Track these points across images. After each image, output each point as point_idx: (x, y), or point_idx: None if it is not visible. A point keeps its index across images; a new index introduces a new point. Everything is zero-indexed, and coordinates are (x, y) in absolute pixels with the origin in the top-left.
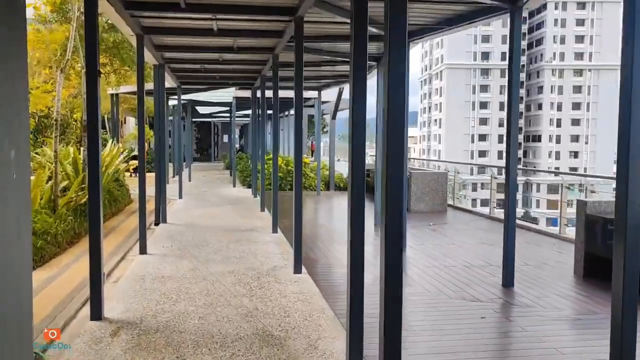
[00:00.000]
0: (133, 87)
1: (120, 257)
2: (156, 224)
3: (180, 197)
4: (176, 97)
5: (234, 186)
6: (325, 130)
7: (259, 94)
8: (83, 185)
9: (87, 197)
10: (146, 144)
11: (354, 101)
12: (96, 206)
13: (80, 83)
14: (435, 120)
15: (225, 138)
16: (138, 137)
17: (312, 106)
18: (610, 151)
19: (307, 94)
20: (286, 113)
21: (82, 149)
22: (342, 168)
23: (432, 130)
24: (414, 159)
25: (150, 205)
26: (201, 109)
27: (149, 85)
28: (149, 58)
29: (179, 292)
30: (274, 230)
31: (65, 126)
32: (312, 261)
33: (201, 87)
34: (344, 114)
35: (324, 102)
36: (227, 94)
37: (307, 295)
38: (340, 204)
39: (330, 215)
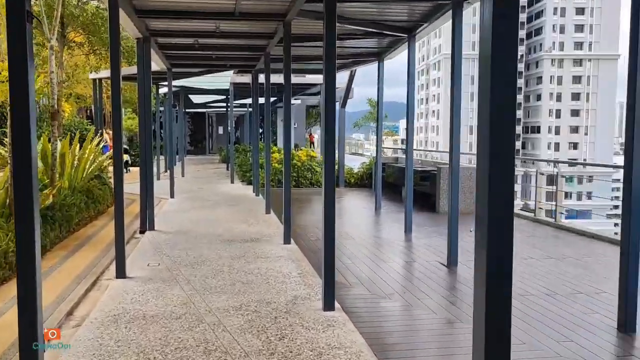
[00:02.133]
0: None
1: (90, 283)
2: (142, 232)
3: (172, 195)
4: (168, 82)
5: (232, 182)
6: None
7: (261, 78)
8: (56, 185)
9: (50, 198)
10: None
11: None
12: (28, 237)
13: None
14: (433, 111)
15: (221, 130)
16: (113, 129)
17: (317, 94)
18: (610, 142)
19: (312, 78)
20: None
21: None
22: (352, 162)
23: (430, 122)
24: (392, 148)
25: (136, 208)
26: (195, 98)
27: (134, 68)
28: (131, 29)
29: (166, 346)
30: (286, 241)
31: (38, 115)
32: (343, 287)
33: (195, 71)
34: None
35: None
36: (224, 80)
37: (349, 351)
38: (355, 203)
39: (349, 219)
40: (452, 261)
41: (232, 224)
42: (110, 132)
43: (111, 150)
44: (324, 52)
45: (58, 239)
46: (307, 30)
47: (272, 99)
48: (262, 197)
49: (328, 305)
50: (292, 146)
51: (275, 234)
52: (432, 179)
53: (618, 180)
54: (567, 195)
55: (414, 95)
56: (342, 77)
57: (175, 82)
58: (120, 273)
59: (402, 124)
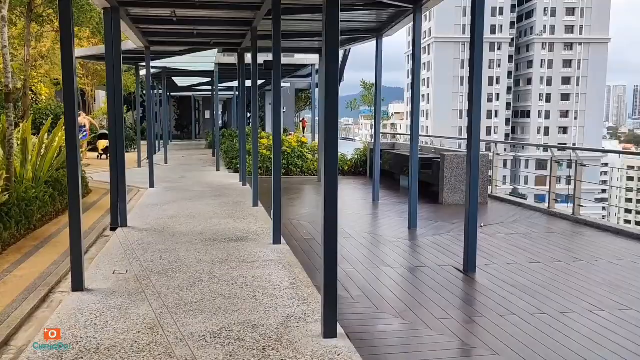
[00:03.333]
0: (90, 50)
1: (40, 299)
2: (112, 229)
3: (152, 185)
4: (146, 62)
5: (218, 170)
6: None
7: (248, 59)
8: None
9: (6, 195)
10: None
11: None
12: None
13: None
14: (423, 95)
15: (208, 114)
16: (65, 114)
17: (307, 76)
18: (599, 126)
19: (302, 58)
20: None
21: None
22: (342, 147)
23: (420, 106)
24: (389, 133)
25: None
26: (179, 81)
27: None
28: None
29: None
30: (276, 240)
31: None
32: (345, 303)
33: (176, 50)
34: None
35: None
36: (208, 61)
37: None
38: (351, 193)
39: (345, 212)
40: (469, 266)
41: (216, 219)
42: (88, 116)
43: (90, 136)
44: (324, 20)
45: (14, 239)
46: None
47: (260, 82)
48: (250, 187)
49: (329, 331)
50: (282, 131)
51: (263, 231)
52: (435, 167)
53: (606, 164)
54: (558, 179)
55: (420, 75)
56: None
57: (155, 63)
58: (77, 285)
59: (392, 108)
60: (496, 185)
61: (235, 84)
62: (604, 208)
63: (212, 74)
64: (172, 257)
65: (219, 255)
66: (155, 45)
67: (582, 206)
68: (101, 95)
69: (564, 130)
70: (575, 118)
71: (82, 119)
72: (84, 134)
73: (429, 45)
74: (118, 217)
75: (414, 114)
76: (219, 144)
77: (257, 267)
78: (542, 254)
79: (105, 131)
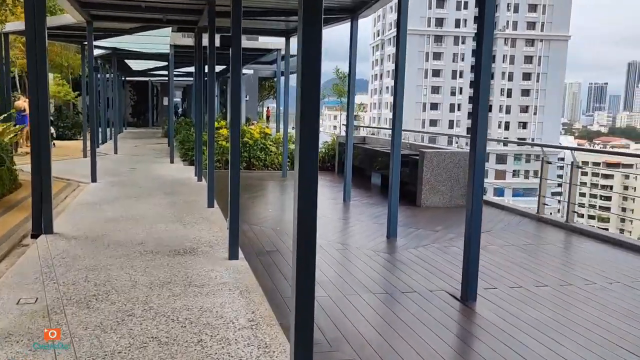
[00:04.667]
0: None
1: None
2: (34, 236)
3: (94, 179)
4: (88, 40)
5: (172, 162)
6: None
7: (205, 41)
8: None
9: None
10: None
11: None
12: None
13: None
14: (387, 87)
15: (166, 100)
16: None
17: (272, 63)
18: (557, 122)
19: (267, 42)
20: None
21: None
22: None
23: (384, 98)
24: (364, 126)
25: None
26: (134, 65)
27: (53, 21)
28: None
29: None
30: (232, 254)
31: None
32: (320, 351)
33: (124, 28)
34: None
35: (292, 56)
36: (163, 42)
37: None
38: (319, 192)
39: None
40: (469, 294)
41: (163, 223)
42: (27, 99)
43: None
44: None
45: None
46: None
47: (221, 68)
48: (206, 182)
49: None
50: (244, 121)
51: (218, 240)
52: (411, 165)
53: (562, 159)
54: (515, 173)
55: (404, 60)
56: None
57: (103, 42)
58: None
59: (357, 99)
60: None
61: (192, 68)
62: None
63: (168, 57)
64: (100, 278)
65: (160, 276)
66: (99, 20)
67: (546, 205)
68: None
69: (524, 125)
70: (535, 113)
71: (22, 102)
72: (24, 118)
73: (394, 37)
74: (41, 222)
75: (397, 107)
76: (175, 133)
77: (206, 294)
78: (547, 274)
79: (51, 117)
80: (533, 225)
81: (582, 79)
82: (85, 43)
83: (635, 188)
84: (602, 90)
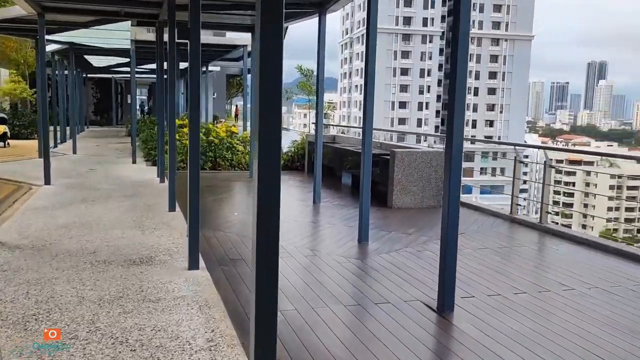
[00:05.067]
0: None
1: None
2: None
3: (48, 181)
4: (39, 33)
5: (134, 162)
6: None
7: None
8: None
9: None
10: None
11: None
12: None
13: None
14: (356, 86)
15: (129, 98)
16: None
17: (239, 59)
18: (522, 120)
19: (233, 38)
20: (203, 69)
21: None
22: (283, 139)
23: (353, 97)
24: (334, 125)
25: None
26: (95, 61)
27: (2, 13)
28: None
29: None
30: (192, 264)
31: None
32: None
33: (80, 21)
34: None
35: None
36: (123, 37)
37: None
38: (288, 193)
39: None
40: (445, 305)
41: (119, 229)
42: None
43: None
44: None
45: None
46: None
47: (187, 64)
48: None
49: None
50: (211, 119)
51: (178, 247)
52: (383, 165)
53: (527, 156)
54: (482, 171)
55: (374, 59)
56: None
57: (59, 37)
58: None
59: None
60: None
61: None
62: (524, 199)
63: (129, 53)
64: (43, 294)
65: (112, 290)
66: (51, 13)
67: (519, 205)
68: (2, 74)
69: (491, 123)
70: (501, 112)
71: None
72: None
73: (362, 35)
74: None
75: (367, 106)
76: (138, 132)
77: (161, 310)
78: (524, 279)
79: (3, 115)
80: (506, 226)
81: (545, 78)
82: (49, 38)
83: (596, 185)
84: (563, 89)
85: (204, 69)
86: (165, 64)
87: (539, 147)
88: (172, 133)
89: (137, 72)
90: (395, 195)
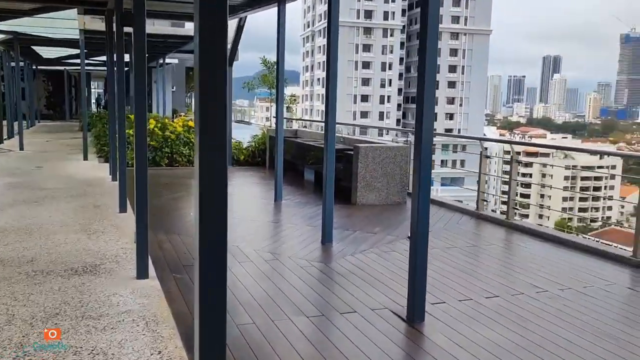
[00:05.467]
0: None
1: None
2: None
3: None
4: None
5: (86, 159)
6: None
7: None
8: None
9: None
10: None
11: None
12: None
13: None
14: (319, 79)
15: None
16: None
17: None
18: (481, 113)
19: (191, 29)
20: (160, 61)
21: None
22: (241, 133)
23: (315, 90)
24: (296, 119)
25: None
26: (43, 52)
27: None
28: None
29: None
30: (141, 272)
31: None
32: None
33: (22, 9)
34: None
35: None
36: (70, 26)
37: None
38: (248, 190)
39: (241, 218)
40: (416, 314)
41: (62, 234)
42: None
43: None
44: None
45: None
46: None
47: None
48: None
49: None
50: (170, 113)
51: (127, 254)
52: (346, 161)
53: (486, 149)
54: (443, 163)
55: (336, 50)
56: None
57: (1, 26)
58: None
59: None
60: None
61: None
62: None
63: (77, 44)
64: None
65: (48, 305)
66: None
67: (486, 201)
68: None
69: (451, 116)
70: (460, 105)
71: None
72: None
73: (324, 28)
74: None
75: (330, 99)
76: (91, 126)
77: (102, 329)
78: (496, 281)
79: None
80: (473, 223)
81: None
82: None
83: (552, 175)
84: (520, 82)
85: (161, 61)
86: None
87: (507, 142)
88: (121, 127)
89: (92, 64)
90: (359, 192)
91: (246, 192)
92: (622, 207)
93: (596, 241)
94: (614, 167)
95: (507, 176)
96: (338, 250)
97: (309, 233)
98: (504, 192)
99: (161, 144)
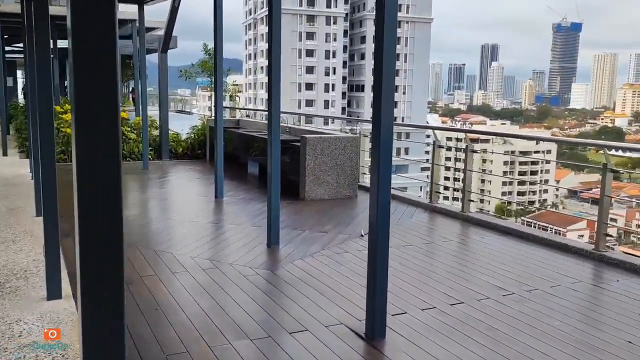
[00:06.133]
0: None
1: None
2: None
3: None
4: None
5: (6, 154)
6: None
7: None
8: None
9: None
10: None
11: None
12: None
13: None
14: (262, 67)
15: (11, 81)
16: None
17: (130, 37)
18: (424, 101)
19: (120, 12)
20: None
21: None
22: (178, 122)
23: (259, 78)
24: (238, 108)
25: None
26: None
27: None
28: None
29: None
30: (52, 292)
31: None
32: None
33: None
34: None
35: (149, 30)
36: None
37: None
38: (185, 186)
39: (177, 219)
40: (376, 327)
41: None
42: None
43: None
44: None
45: None
46: None
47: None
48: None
49: None
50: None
51: (39, 268)
52: (293, 153)
53: (428, 136)
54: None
55: (279, 37)
56: (159, 11)
57: None
58: None
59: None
60: (363, 173)
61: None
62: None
63: None
64: None
65: None
66: None
67: (439, 193)
68: None
69: (395, 104)
70: (404, 93)
71: None
72: None
73: (266, 16)
74: None
75: (273, 86)
76: (11, 118)
77: None
78: (459, 284)
79: None
80: (427, 216)
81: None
82: None
83: (492, 161)
84: (460, 70)
85: None
86: (33, 39)
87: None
88: (42, 119)
89: (14, 52)
90: (307, 187)
91: (184, 189)
92: (557, 190)
93: (557, 234)
94: (549, 151)
95: (452, 165)
96: (286, 254)
97: (253, 234)
98: (447, 180)
99: (53, 134)
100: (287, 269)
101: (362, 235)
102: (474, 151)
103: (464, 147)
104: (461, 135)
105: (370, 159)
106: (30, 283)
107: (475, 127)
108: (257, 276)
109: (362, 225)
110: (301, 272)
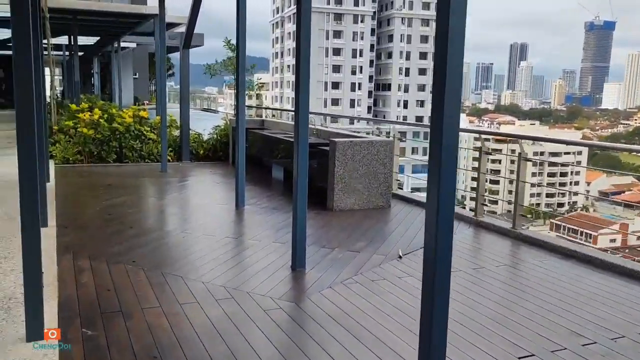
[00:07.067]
0: None
1: None
2: None
3: None
4: None
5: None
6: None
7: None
8: None
9: None
10: None
11: None
12: None
13: None
14: (289, 66)
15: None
16: None
17: (152, 34)
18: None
19: (139, 6)
20: (116, 45)
21: None
22: (204, 124)
23: (285, 77)
24: (262, 107)
25: None
26: None
27: None
28: None
29: None
30: (32, 331)
31: None
32: None
33: None
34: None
35: (174, 25)
36: (2, 2)
37: None
38: (205, 192)
39: (195, 231)
40: None
41: None
42: None
43: None
44: None
45: None
46: None
47: (96, 39)
48: (54, 184)
49: None
50: (132, 101)
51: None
52: (321, 158)
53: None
54: (414, 150)
55: (309, 36)
56: (181, 5)
57: None
58: None
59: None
60: (397, 180)
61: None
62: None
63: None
64: None
65: None
66: None
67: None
68: None
69: (422, 103)
70: (431, 92)
71: None
72: None
73: (294, 14)
74: None
75: (301, 83)
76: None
77: None
78: (524, 327)
79: None
80: (472, 232)
81: (471, 59)
82: None
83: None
84: (488, 70)
85: (115, 45)
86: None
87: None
88: (39, 117)
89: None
90: (336, 195)
91: (202, 196)
92: (588, 192)
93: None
94: (580, 152)
95: (519, 178)
96: (313, 280)
97: (276, 254)
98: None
99: (108, 138)
100: (314, 300)
101: (399, 257)
102: (528, 159)
103: (508, 152)
104: (489, 136)
105: (402, 165)
106: (12, 315)
107: (503, 128)
108: (279, 310)
109: (400, 243)
110: (331, 306)
